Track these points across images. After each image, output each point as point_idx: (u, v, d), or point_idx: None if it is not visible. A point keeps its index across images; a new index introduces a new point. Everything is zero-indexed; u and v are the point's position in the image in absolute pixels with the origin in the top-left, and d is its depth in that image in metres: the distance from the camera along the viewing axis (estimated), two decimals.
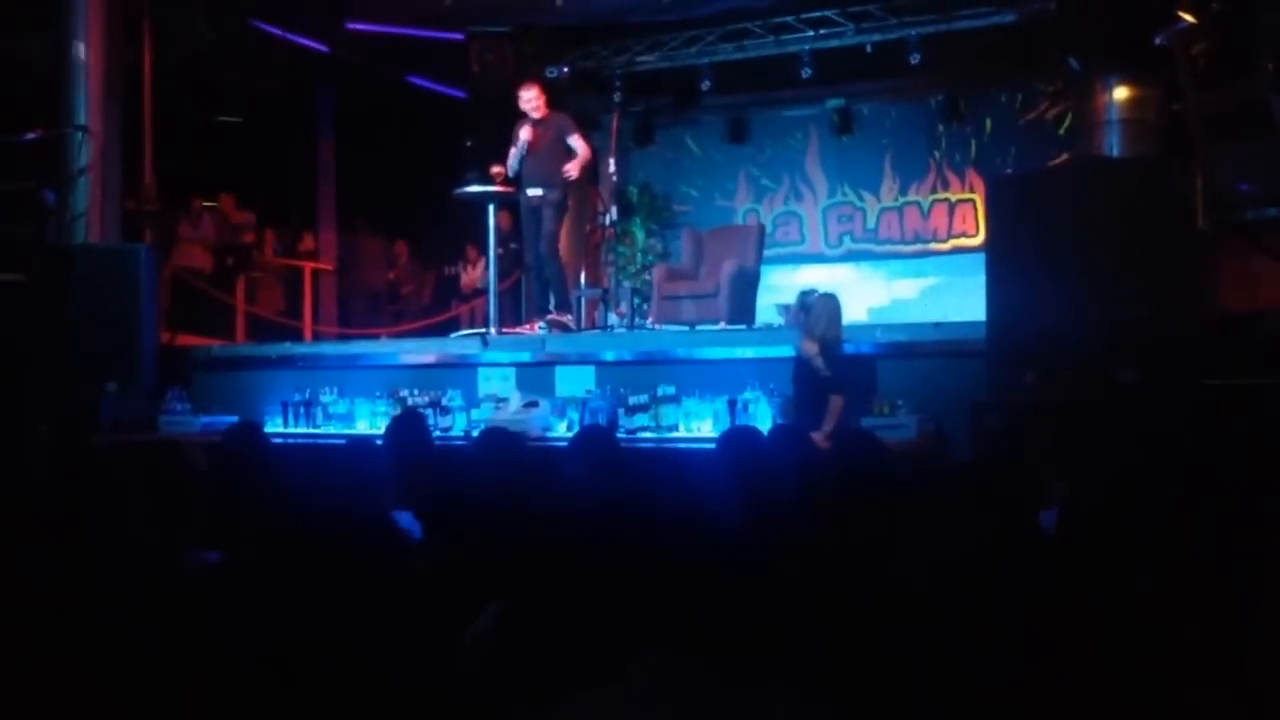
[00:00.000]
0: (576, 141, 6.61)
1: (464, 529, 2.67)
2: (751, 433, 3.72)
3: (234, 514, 3.12)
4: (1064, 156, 8.13)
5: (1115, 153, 7.81)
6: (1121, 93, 7.90)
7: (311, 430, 6.10)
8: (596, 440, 3.73)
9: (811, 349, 5.04)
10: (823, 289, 5.37)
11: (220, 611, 1.92)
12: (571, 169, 6.57)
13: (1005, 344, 4.87)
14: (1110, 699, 1.59)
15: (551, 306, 6.72)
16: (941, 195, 9.46)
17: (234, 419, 5.76)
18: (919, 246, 9.53)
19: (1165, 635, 1.67)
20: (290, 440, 5.94)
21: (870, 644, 1.73)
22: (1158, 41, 6.71)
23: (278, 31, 8.50)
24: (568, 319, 6.72)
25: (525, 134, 6.48)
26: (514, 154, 6.55)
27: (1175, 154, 6.91)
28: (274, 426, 6.09)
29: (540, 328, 6.62)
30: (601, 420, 5.39)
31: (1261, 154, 5.97)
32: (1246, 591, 1.75)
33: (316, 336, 8.65)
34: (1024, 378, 4.83)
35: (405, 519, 2.88)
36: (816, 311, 5.07)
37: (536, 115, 6.54)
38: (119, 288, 6.16)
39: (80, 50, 6.52)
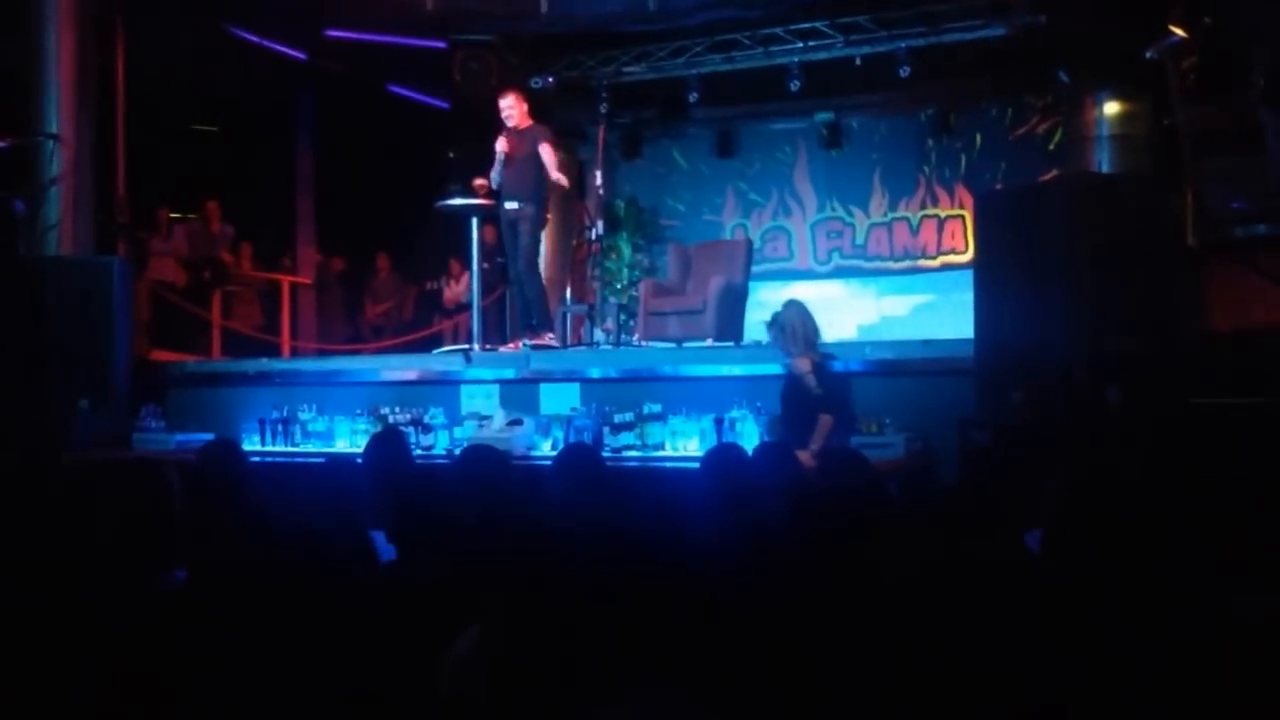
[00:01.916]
0: (545, 151, 6.34)
1: (445, 549, 2.62)
2: (735, 450, 3.67)
3: (209, 533, 3.06)
4: (1053, 173, 8.11)
5: (1105, 168, 7.79)
6: (1112, 108, 7.89)
7: (290, 449, 5.99)
8: (580, 459, 3.65)
9: (804, 366, 4.96)
10: (786, 300, 5.30)
11: (193, 631, 1.88)
12: (560, 177, 6.36)
13: (993, 362, 4.81)
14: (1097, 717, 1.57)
15: (535, 324, 6.62)
16: (931, 211, 9.42)
17: (210, 437, 5.63)
18: (908, 263, 9.48)
19: (1152, 656, 1.66)
20: (268, 459, 5.83)
21: (855, 665, 1.69)
22: (1148, 55, 6.68)
23: (255, 38, 8.39)
24: (549, 338, 6.62)
25: (501, 144, 6.36)
26: (497, 166, 6.45)
27: (1165, 170, 6.88)
28: (251, 444, 5.97)
29: (523, 346, 6.53)
30: (587, 439, 5.30)
31: (1251, 170, 5.93)
32: (1232, 610, 1.74)
33: (295, 352, 8.51)
34: (1011, 396, 4.76)
35: (379, 539, 2.83)
36: (787, 322, 4.99)
37: (513, 124, 6.42)
38: (92, 302, 6.04)
39: (51, 55, 6.39)
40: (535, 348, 6.42)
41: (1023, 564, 2.27)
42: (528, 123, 6.47)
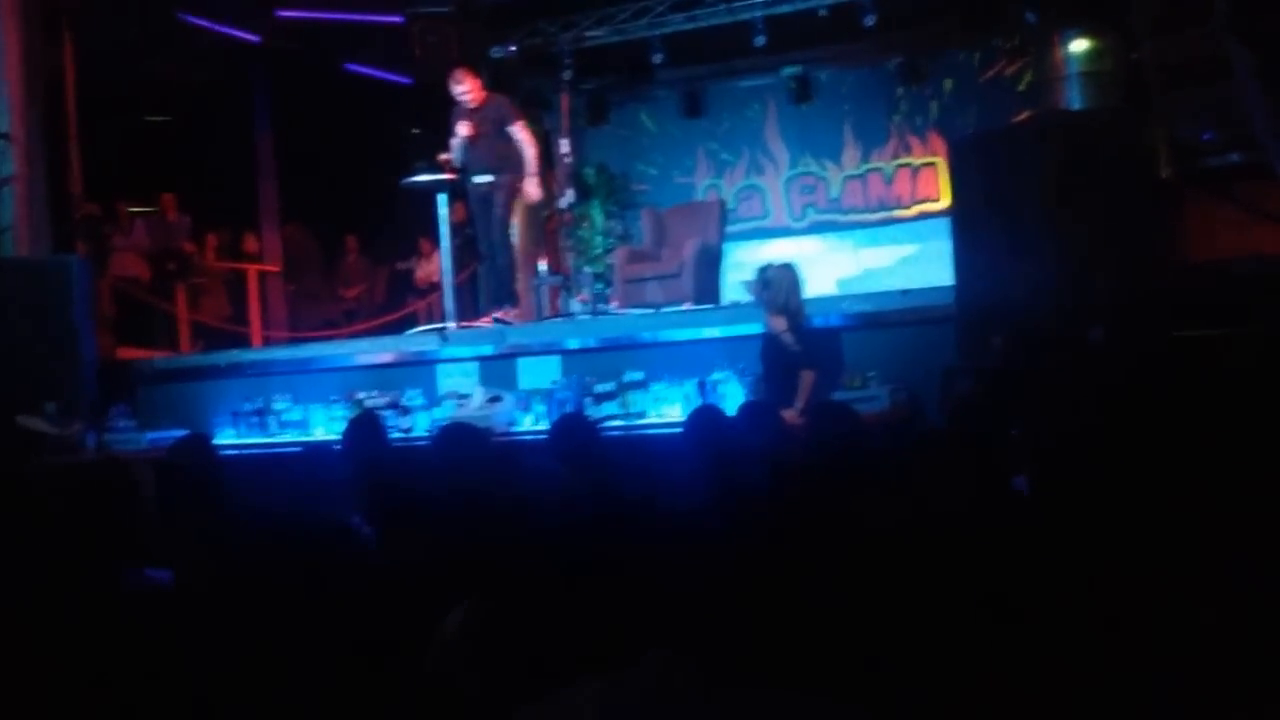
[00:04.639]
0: (519, 132, 6.30)
1: (425, 531, 2.59)
2: (716, 411, 3.63)
3: (184, 531, 3.02)
4: (1025, 114, 8.03)
5: (1076, 106, 7.71)
6: (1080, 45, 7.79)
7: (266, 440, 5.89)
8: (574, 430, 3.59)
9: (780, 325, 4.91)
10: (780, 261, 5.25)
11: (170, 629, 1.88)
12: (531, 190, 6.31)
13: (973, 308, 4.78)
14: (1085, 662, 1.58)
15: (505, 302, 6.54)
16: (904, 160, 9.32)
17: (182, 433, 5.53)
18: (884, 214, 9.39)
19: (1142, 596, 1.65)
20: (244, 452, 5.73)
21: (847, 615, 1.69)
22: None
23: (205, 23, 8.17)
24: (512, 313, 6.52)
25: (464, 129, 6.25)
26: (455, 144, 6.33)
27: (1136, 104, 6.82)
28: (226, 438, 5.87)
29: (494, 321, 6.44)
30: (569, 410, 5.24)
31: (1221, 100, 5.87)
32: (1219, 544, 1.74)
33: (266, 341, 8.37)
34: (993, 342, 4.73)
35: (357, 522, 2.80)
36: (776, 283, 4.94)
37: (473, 105, 6.30)
38: (52, 303, 5.90)
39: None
40: (498, 321, 6.35)
41: (1012, 506, 2.26)
42: (483, 96, 6.35)
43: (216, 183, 8.93)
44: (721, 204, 7.71)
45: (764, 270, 5.08)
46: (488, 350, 6.00)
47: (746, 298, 6.18)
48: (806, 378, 4.78)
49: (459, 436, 3.40)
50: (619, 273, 7.03)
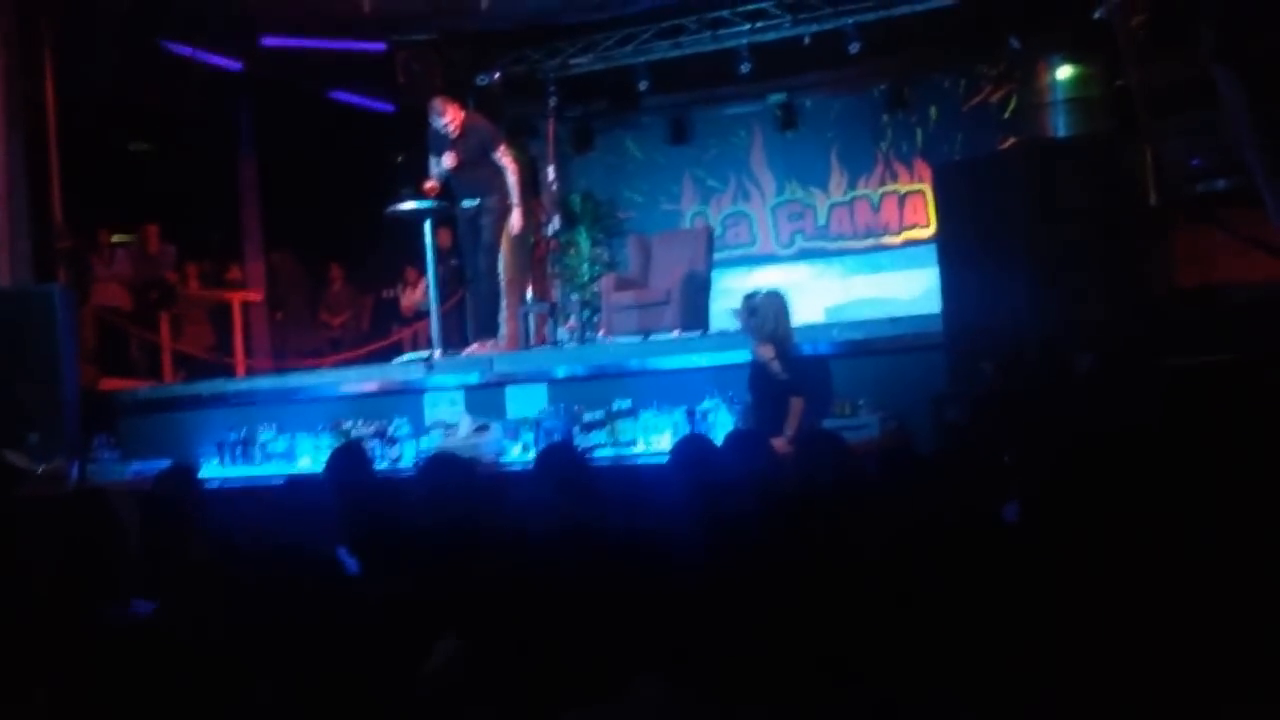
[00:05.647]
0: (501, 157, 6.34)
1: (411, 562, 2.55)
2: (703, 441, 3.61)
3: (168, 563, 2.99)
4: (1010, 140, 8.09)
5: (1062, 133, 7.78)
6: (1065, 72, 7.87)
7: (251, 471, 5.81)
8: (560, 459, 3.56)
9: (767, 353, 4.88)
10: (767, 289, 5.23)
11: (152, 662, 1.85)
12: (514, 224, 6.35)
13: (962, 335, 4.76)
14: (1075, 688, 1.57)
15: (488, 331, 6.50)
16: (891, 187, 9.37)
17: (166, 464, 5.46)
18: (872, 241, 9.43)
19: (1130, 626, 1.64)
20: (229, 483, 5.66)
21: (838, 648, 1.65)
22: (1097, 16, 6.68)
23: (189, 51, 8.16)
24: (489, 345, 6.48)
25: (449, 160, 6.26)
26: (434, 164, 6.34)
27: (1123, 131, 6.87)
28: (210, 469, 5.79)
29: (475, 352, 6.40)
30: (556, 439, 5.19)
31: (1208, 125, 5.91)
32: (1209, 573, 1.73)
33: (250, 371, 8.30)
34: (983, 368, 4.71)
35: (342, 554, 2.76)
36: (763, 311, 4.91)
37: (454, 133, 6.30)
38: (34, 332, 5.82)
39: None
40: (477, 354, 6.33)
41: (1000, 536, 2.24)
42: (463, 122, 6.35)
43: (200, 211, 8.89)
44: (709, 231, 7.72)
45: (751, 298, 5.05)
46: (474, 378, 5.95)
47: (735, 325, 6.16)
48: (796, 405, 4.75)
49: (446, 466, 3.37)
50: (606, 300, 6.99)
